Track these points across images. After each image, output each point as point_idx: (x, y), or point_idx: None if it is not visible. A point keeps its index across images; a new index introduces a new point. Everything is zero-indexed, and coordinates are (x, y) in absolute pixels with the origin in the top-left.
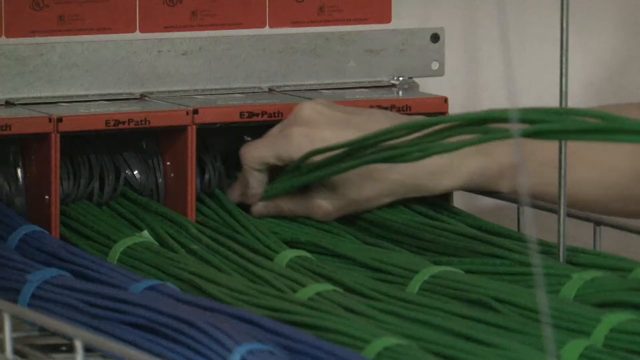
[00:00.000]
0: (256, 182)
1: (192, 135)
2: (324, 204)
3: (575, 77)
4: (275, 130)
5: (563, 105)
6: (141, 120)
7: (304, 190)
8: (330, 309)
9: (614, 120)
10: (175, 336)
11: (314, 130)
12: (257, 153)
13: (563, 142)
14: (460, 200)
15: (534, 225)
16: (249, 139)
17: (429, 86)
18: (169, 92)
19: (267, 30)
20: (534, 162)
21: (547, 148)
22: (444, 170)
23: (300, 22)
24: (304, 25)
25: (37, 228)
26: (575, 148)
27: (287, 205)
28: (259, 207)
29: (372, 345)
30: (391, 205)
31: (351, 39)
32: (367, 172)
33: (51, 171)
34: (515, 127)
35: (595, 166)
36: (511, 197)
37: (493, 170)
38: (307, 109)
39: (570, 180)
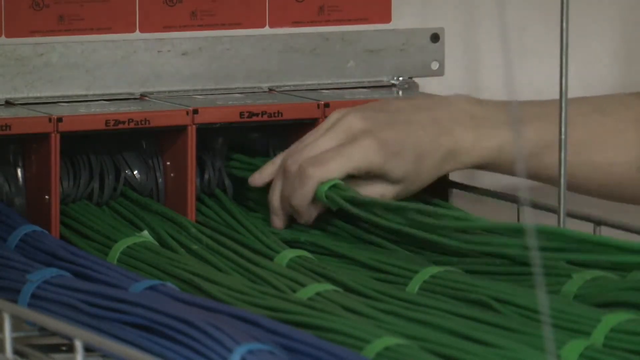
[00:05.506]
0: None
1: (192, 135)
2: (384, 194)
3: (575, 77)
4: (325, 144)
5: (563, 105)
6: (141, 120)
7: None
8: (330, 309)
9: None
10: (175, 336)
11: (378, 134)
12: (330, 174)
13: (563, 142)
14: None
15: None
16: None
17: (429, 86)
18: (169, 92)
19: (267, 30)
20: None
21: (580, 128)
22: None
23: (300, 22)
24: (304, 25)
25: (37, 228)
26: (611, 128)
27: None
28: (310, 214)
29: (372, 345)
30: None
31: (351, 39)
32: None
33: (51, 171)
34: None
35: (632, 147)
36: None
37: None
38: (357, 121)
39: (607, 161)
